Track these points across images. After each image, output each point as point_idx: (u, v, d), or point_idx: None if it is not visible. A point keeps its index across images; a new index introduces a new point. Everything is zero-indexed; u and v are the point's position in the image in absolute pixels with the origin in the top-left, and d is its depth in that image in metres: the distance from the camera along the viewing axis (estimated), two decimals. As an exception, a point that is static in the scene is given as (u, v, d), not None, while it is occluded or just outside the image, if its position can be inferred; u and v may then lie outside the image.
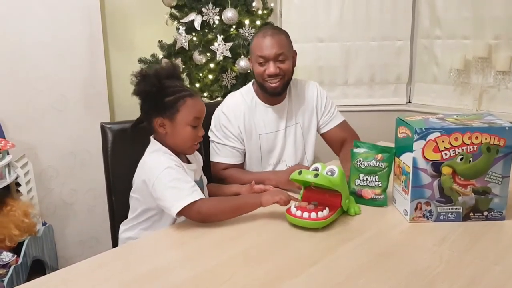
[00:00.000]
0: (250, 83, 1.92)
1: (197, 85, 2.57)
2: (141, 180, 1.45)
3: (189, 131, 1.47)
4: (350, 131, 1.98)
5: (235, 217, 1.41)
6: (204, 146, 1.85)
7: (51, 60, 2.43)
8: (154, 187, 1.39)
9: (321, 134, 1.99)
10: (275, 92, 1.80)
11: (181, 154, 1.53)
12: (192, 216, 1.38)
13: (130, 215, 1.55)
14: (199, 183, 1.58)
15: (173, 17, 2.63)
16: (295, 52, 1.85)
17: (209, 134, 1.85)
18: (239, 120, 1.82)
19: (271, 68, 1.74)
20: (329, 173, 1.36)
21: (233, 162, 1.82)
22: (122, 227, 1.58)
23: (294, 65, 1.84)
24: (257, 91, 1.87)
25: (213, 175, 1.83)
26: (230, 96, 1.91)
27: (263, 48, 1.74)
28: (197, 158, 1.63)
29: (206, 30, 2.56)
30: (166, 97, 1.45)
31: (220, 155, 1.82)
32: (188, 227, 1.43)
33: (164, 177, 1.38)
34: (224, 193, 1.68)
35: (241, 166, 1.86)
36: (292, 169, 1.64)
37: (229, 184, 1.76)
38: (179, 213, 1.36)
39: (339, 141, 1.94)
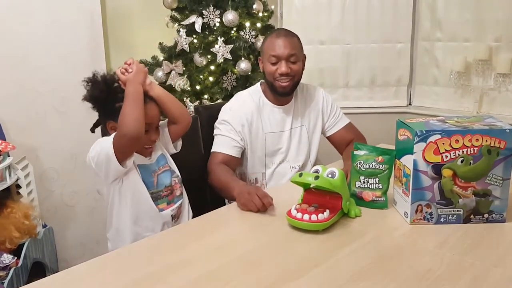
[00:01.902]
0: (258, 84, 1.97)
1: (198, 87, 2.57)
2: (88, 164, 1.51)
3: None
4: (356, 132, 2.02)
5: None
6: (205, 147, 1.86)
7: (52, 62, 2.43)
8: (89, 153, 1.48)
9: (328, 137, 2.03)
10: (285, 91, 1.84)
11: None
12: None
13: (107, 214, 1.59)
14: (161, 158, 1.63)
15: (173, 19, 2.64)
16: (304, 56, 1.89)
17: (214, 130, 1.89)
18: (247, 117, 1.85)
19: (283, 67, 1.78)
20: (330, 175, 1.36)
21: (229, 153, 1.82)
22: (108, 230, 1.61)
23: (303, 68, 1.87)
24: (264, 91, 1.92)
25: (208, 168, 1.83)
26: (238, 95, 1.96)
27: (276, 48, 1.79)
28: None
29: (207, 32, 2.56)
30: (117, 102, 1.50)
31: (218, 145, 1.84)
32: (189, 230, 1.43)
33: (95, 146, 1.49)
34: None
35: (237, 161, 1.86)
36: (246, 194, 1.50)
37: (212, 178, 1.78)
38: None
39: (346, 142, 1.98)
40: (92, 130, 1.67)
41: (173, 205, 1.63)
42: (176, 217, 1.64)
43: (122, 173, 1.49)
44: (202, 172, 1.90)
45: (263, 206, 1.44)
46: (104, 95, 1.53)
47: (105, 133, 1.64)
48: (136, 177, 1.53)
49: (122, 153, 1.44)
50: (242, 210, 1.50)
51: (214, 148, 1.85)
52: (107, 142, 1.44)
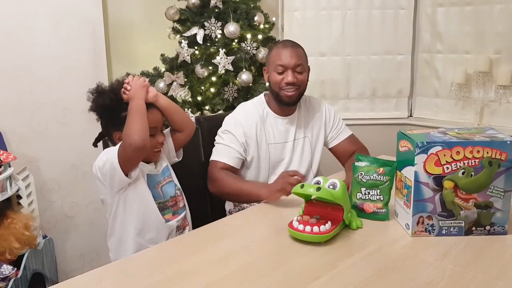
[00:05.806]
0: (262, 95, 1.97)
1: (199, 98, 2.58)
2: (94, 173, 1.51)
3: None
4: (359, 144, 2.02)
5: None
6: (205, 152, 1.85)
7: (54, 74, 2.44)
8: (96, 162, 1.48)
9: (330, 148, 2.03)
10: (290, 101, 1.85)
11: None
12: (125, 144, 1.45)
13: (110, 223, 1.59)
14: (165, 169, 1.64)
15: (175, 31, 2.66)
16: (309, 68, 1.90)
17: (216, 138, 1.89)
18: (250, 128, 1.85)
19: (289, 76, 1.79)
20: (331, 187, 1.36)
21: (231, 163, 1.83)
22: (109, 239, 1.60)
23: (307, 79, 1.89)
24: (268, 101, 1.93)
25: (208, 174, 1.85)
26: (242, 105, 1.96)
27: (283, 58, 1.81)
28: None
29: (208, 44, 2.58)
30: (122, 112, 1.51)
31: (220, 155, 1.84)
32: (189, 241, 1.42)
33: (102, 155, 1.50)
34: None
35: (237, 172, 1.87)
36: (280, 179, 1.64)
37: (219, 185, 1.79)
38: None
39: (348, 154, 1.98)
40: (95, 144, 1.67)
41: (177, 216, 1.63)
42: (181, 228, 1.64)
43: (127, 183, 1.49)
44: (203, 183, 1.90)
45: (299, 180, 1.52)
46: (114, 104, 1.54)
47: (107, 146, 1.64)
48: (144, 187, 1.54)
49: (127, 164, 1.45)
50: (275, 199, 1.61)
51: (214, 157, 1.85)
52: (113, 152, 1.45)
